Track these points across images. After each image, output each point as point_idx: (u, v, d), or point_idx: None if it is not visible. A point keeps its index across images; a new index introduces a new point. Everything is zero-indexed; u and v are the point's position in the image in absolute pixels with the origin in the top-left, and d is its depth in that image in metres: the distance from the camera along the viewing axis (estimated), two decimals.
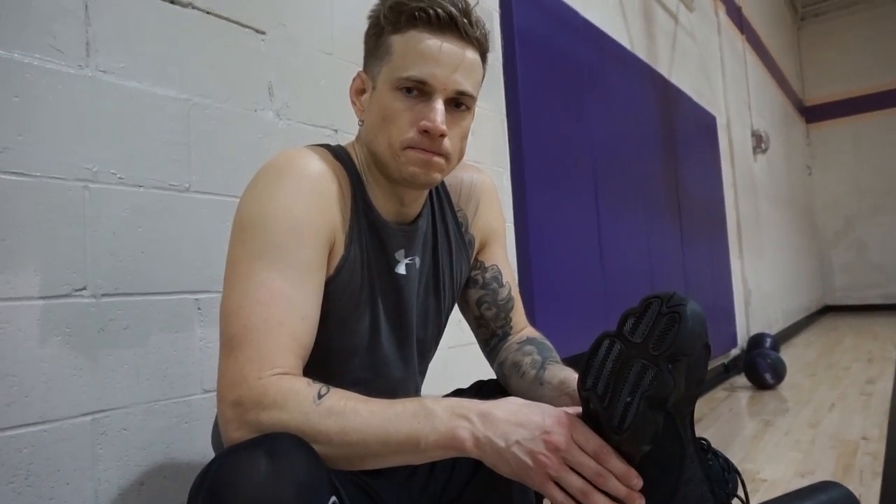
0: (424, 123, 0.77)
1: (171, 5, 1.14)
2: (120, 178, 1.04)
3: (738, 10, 5.45)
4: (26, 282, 0.92)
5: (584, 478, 0.63)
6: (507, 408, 0.66)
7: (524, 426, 0.64)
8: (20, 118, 0.92)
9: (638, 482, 0.63)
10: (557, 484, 0.63)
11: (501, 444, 0.63)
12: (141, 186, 1.07)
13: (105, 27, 1.03)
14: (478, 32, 0.80)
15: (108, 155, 1.02)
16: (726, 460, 0.70)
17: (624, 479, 0.63)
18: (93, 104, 1.01)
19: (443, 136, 0.78)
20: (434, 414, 0.65)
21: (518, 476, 0.64)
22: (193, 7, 1.18)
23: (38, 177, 0.94)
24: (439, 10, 0.76)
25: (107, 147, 1.02)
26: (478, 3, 0.82)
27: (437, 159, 0.80)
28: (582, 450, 0.63)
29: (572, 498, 0.63)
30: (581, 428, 0.64)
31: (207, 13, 1.20)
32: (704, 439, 0.69)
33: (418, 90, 0.78)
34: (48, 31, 0.96)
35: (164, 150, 1.11)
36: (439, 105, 0.78)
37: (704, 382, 0.65)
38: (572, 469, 0.63)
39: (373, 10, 0.83)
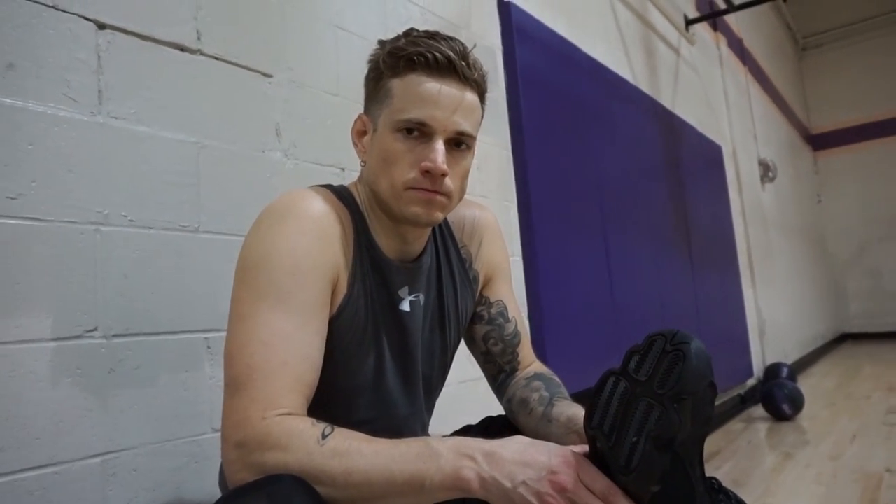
0: (426, 164, 0.78)
1: (180, 52, 1.17)
2: (130, 220, 1.06)
3: (740, 42, 5.52)
4: (38, 324, 0.93)
5: None
6: (513, 447, 0.65)
7: (530, 466, 0.63)
8: (34, 165, 0.95)
9: None
10: None
11: (507, 484, 0.62)
12: (151, 228, 1.08)
13: (116, 75, 1.07)
14: (476, 74, 0.82)
15: (119, 198, 1.04)
16: (739, 501, 0.68)
17: None
18: (104, 150, 1.04)
19: (444, 175, 0.79)
20: (439, 454, 0.64)
21: None
22: (202, 53, 1.21)
23: (50, 221, 0.96)
24: (438, 55, 0.78)
25: (118, 190, 1.04)
26: (476, 45, 0.84)
27: (439, 198, 0.81)
28: (589, 490, 0.62)
29: None
30: (588, 468, 0.64)
31: (216, 59, 1.23)
32: (715, 479, 0.68)
33: (419, 131, 0.79)
34: (62, 80, 0.99)
35: (173, 191, 1.13)
36: (440, 146, 0.79)
37: (712, 422, 0.64)
38: None
39: (372, 55, 0.85)
